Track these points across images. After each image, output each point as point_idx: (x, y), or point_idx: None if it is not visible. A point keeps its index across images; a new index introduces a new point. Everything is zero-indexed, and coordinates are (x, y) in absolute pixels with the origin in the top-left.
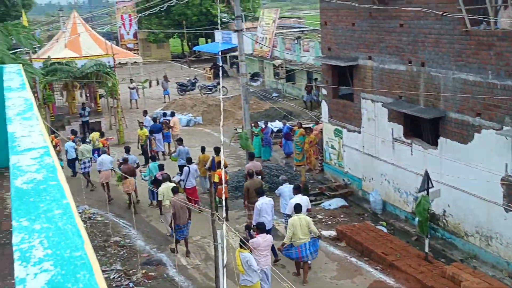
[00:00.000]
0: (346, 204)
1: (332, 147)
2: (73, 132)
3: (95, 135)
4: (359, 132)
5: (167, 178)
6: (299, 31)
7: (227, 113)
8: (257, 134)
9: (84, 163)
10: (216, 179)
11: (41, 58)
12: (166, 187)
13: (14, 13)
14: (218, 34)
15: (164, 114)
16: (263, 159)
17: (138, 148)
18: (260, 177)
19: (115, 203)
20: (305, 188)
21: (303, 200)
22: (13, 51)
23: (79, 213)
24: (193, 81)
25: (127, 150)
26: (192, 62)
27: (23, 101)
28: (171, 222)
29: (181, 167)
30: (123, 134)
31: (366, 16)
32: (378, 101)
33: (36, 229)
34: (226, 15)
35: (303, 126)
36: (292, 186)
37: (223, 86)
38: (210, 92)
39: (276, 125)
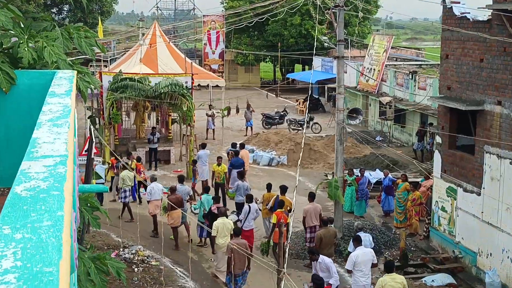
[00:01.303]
0: (454, 282)
1: (443, 209)
2: (138, 159)
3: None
4: (478, 194)
5: (224, 213)
6: (416, 64)
7: (318, 155)
8: (351, 184)
9: (125, 191)
10: (274, 220)
11: (111, 72)
12: (222, 222)
13: (91, 20)
14: (317, 61)
15: (233, 145)
16: (356, 214)
17: (211, 186)
18: (332, 225)
19: (170, 246)
20: (404, 257)
21: (366, 253)
22: (75, 58)
23: (132, 253)
24: (282, 113)
25: (181, 180)
26: (284, 91)
27: (61, 107)
28: (227, 267)
29: (238, 205)
30: (191, 168)
31: (499, 51)
32: (506, 157)
33: (16, 238)
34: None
35: (409, 180)
36: (369, 235)
37: (315, 123)
38: (300, 128)
39: (375, 175)
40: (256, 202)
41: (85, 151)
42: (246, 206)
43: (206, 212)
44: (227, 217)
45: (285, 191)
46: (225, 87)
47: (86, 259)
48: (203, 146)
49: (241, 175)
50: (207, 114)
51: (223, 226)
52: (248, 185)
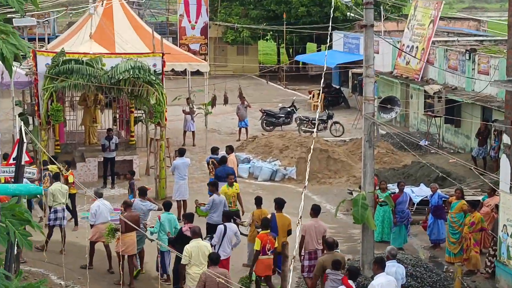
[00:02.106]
0: None
1: None
2: (68, 164)
3: (52, 168)
4: None
5: (199, 233)
6: (476, 40)
7: (339, 166)
8: (385, 203)
9: (55, 211)
10: (258, 246)
11: (50, 51)
12: (196, 245)
13: None
14: (337, 38)
15: (214, 150)
16: (393, 245)
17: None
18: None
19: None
20: None
21: (390, 283)
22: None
23: None
24: (288, 109)
25: (141, 193)
26: (291, 79)
27: None
28: None
29: (211, 227)
30: (164, 184)
31: None
32: None
33: None
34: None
35: (466, 197)
36: (402, 267)
37: (336, 122)
38: (313, 130)
39: (419, 192)
40: (241, 224)
41: (13, 159)
42: (221, 227)
43: (170, 236)
44: (202, 239)
45: (281, 207)
46: (210, 74)
47: None
48: (180, 153)
49: (215, 186)
50: (184, 111)
51: (197, 251)
52: (224, 199)
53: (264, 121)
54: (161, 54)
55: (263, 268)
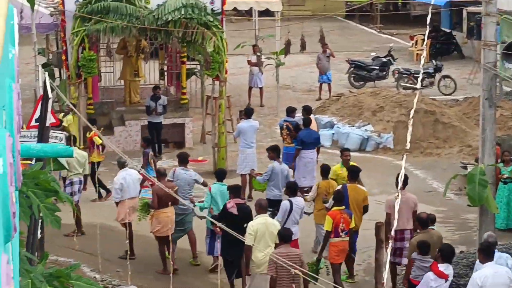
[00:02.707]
0: None
1: None
2: (92, 122)
3: (70, 119)
4: None
5: (265, 208)
6: None
7: (450, 132)
8: (510, 179)
9: (71, 183)
10: (329, 226)
11: None
12: (264, 222)
13: None
14: None
15: (290, 111)
16: None
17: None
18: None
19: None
20: None
21: (501, 274)
22: None
23: None
24: (384, 59)
25: (183, 159)
26: (388, 21)
27: None
28: None
29: (273, 202)
30: (225, 154)
31: None
32: None
33: None
34: None
35: None
36: (509, 257)
37: (445, 76)
38: (416, 86)
39: None
40: (303, 198)
41: (35, 121)
42: (285, 203)
43: (213, 213)
44: (271, 216)
45: (355, 176)
46: (282, 14)
47: (36, 275)
48: (247, 113)
49: (275, 151)
50: (249, 62)
51: (265, 229)
52: (287, 169)
53: (353, 75)
54: None
55: (336, 253)
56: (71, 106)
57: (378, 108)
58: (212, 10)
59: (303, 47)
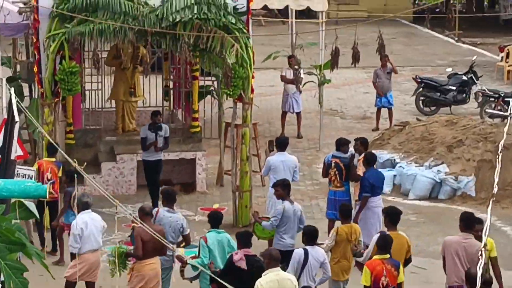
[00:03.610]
0: None
1: None
2: (50, 151)
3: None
4: None
5: (277, 259)
6: None
7: None
8: None
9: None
10: (366, 281)
11: None
12: (276, 279)
13: None
14: None
15: (341, 144)
16: None
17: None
18: None
19: None
20: None
21: None
22: None
23: None
24: (464, 77)
25: (170, 199)
26: (468, 27)
27: None
28: None
29: (284, 254)
30: (249, 200)
31: None
32: None
33: None
34: None
35: None
36: None
37: None
38: (506, 114)
39: None
40: (319, 246)
41: None
42: (299, 251)
43: (213, 268)
44: (283, 269)
45: (395, 221)
46: (329, 17)
47: None
48: (280, 144)
49: (286, 188)
50: (283, 78)
51: (277, 286)
52: (301, 210)
53: (422, 97)
54: None
55: None
56: (44, 134)
57: (455, 142)
58: (234, 8)
59: (355, 59)
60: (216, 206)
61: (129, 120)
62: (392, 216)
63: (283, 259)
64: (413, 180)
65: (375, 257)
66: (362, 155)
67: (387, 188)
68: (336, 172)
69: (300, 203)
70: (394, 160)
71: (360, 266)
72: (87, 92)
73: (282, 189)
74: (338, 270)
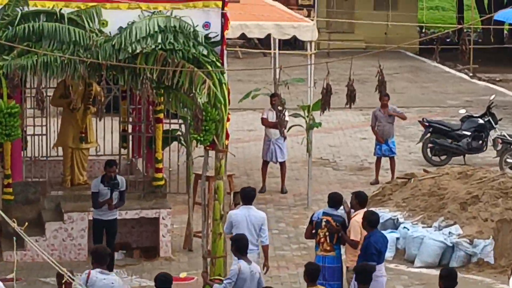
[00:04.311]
0: None
1: None
2: None
3: None
4: None
5: None
6: None
7: None
8: None
9: None
10: None
11: None
12: None
13: None
14: None
15: (334, 200)
16: None
17: None
18: None
19: None
20: None
21: None
22: None
23: None
24: (480, 121)
25: (100, 259)
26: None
27: None
28: None
29: None
30: (222, 268)
31: None
32: None
33: None
34: None
35: None
36: None
37: None
38: None
39: None
40: None
41: None
42: None
43: None
44: None
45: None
46: (318, 48)
47: None
48: (245, 196)
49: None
50: (265, 121)
51: None
52: (260, 271)
53: (430, 144)
54: (220, 3)
55: None
56: None
57: (470, 199)
58: (206, 37)
59: (351, 99)
60: (183, 275)
61: (79, 172)
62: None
63: None
64: (419, 244)
65: None
66: (357, 213)
67: (389, 253)
68: (327, 233)
69: (285, 271)
70: (397, 219)
71: None
72: (29, 138)
73: (237, 244)
74: None
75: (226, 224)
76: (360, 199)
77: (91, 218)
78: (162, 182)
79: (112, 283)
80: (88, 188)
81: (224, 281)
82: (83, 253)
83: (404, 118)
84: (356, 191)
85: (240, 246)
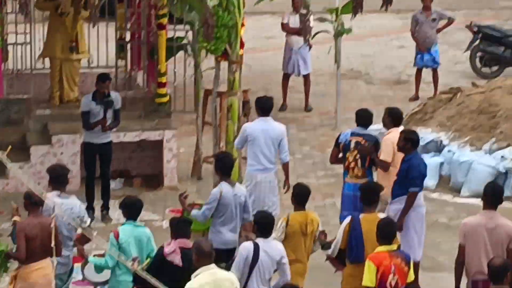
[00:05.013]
0: None
1: None
2: None
3: None
4: None
5: (209, 255)
6: None
7: None
8: None
9: None
10: (369, 280)
11: None
12: (211, 280)
13: None
14: None
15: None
16: None
17: None
18: None
19: None
20: None
21: None
22: None
23: None
24: None
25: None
26: None
27: None
28: None
29: (223, 253)
30: (235, 174)
31: None
32: None
33: None
34: None
35: None
36: None
37: None
38: None
39: None
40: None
41: None
42: (247, 247)
43: (136, 268)
44: (223, 267)
45: (370, 202)
46: None
47: None
48: (262, 106)
49: (225, 174)
50: (285, 27)
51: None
52: (245, 195)
53: (479, 53)
54: None
55: None
56: None
57: None
58: None
59: (387, 0)
60: (194, 203)
61: (69, 87)
62: (366, 193)
63: (220, 258)
64: (467, 170)
65: (380, 248)
66: (390, 131)
67: (431, 181)
68: (357, 157)
69: (310, 202)
70: (441, 141)
71: (335, 262)
72: (10, 48)
73: (221, 166)
74: (295, 273)
75: (239, 138)
76: (393, 116)
77: (82, 142)
78: (166, 99)
79: (72, 207)
80: (79, 106)
81: (204, 206)
82: (74, 182)
83: (451, 23)
84: (389, 107)
85: (223, 165)
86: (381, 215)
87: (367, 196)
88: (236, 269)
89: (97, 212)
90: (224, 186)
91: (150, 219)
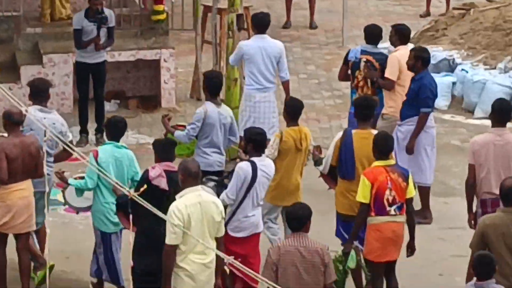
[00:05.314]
0: None
1: None
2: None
3: None
4: None
5: (195, 175)
6: None
7: None
8: None
9: None
10: (365, 196)
11: None
12: (197, 202)
13: None
14: None
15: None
16: None
17: None
18: None
19: None
20: None
21: None
22: None
23: None
24: None
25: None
26: None
27: None
28: None
29: (210, 175)
30: (236, 95)
31: None
32: None
33: None
34: None
35: None
36: None
37: None
38: None
39: None
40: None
41: None
42: (244, 166)
43: (120, 192)
44: (212, 187)
45: (366, 117)
46: None
47: None
48: (258, 23)
49: (213, 93)
50: None
51: (199, 213)
52: (231, 116)
53: None
54: None
55: (381, 244)
56: None
57: None
58: None
59: None
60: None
61: (60, 3)
62: (363, 109)
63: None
64: (481, 90)
65: (376, 163)
66: (397, 49)
67: (443, 101)
68: (367, 73)
69: (315, 124)
70: (454, 60)
71: (327, 179)
72: None
73: (209, 83)
74: (280, 192)
75: (234, 56)
76: (400, 34)
77: (75, 61)
78: (163, 16)
79: (54, 123)
80: (71, 24)
81: (187, 127)
82: (67, 104)
83: None
84: (396, 24)
85: (211, 84)
86: (374, 132)
87: (362, 111)
88: (232, 192)
89: (91, 136)
90: (209, 106)
91: (146, 142)
